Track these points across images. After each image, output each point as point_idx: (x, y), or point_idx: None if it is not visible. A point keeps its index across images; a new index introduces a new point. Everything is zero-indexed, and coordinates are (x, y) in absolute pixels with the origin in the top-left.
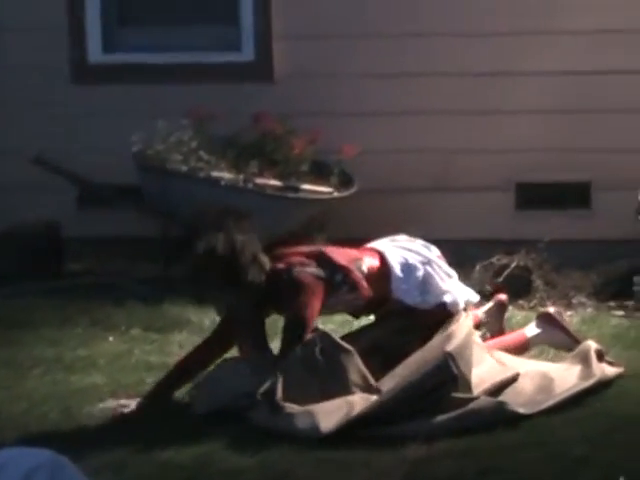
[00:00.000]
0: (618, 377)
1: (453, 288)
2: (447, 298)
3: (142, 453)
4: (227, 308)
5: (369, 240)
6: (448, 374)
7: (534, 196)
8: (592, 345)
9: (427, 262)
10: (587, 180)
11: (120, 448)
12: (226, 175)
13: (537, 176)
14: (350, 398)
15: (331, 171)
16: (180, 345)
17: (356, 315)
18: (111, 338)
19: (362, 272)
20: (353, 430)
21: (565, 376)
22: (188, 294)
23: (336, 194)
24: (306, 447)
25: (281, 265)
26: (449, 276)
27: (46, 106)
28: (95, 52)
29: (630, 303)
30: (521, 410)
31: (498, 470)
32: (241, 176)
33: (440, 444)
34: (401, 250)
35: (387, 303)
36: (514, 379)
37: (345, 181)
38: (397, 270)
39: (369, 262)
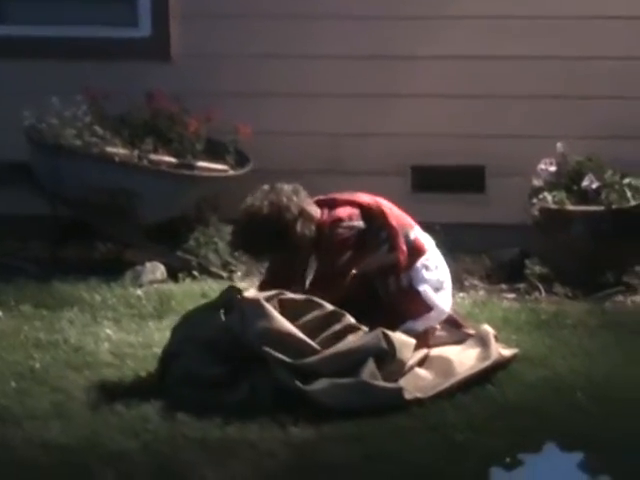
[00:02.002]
0: (510, 360)
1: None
2: (445, 307)
3: (24, 432)
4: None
5: None
6: (378, 349)
7: (430, 180)
8: (490, 329)
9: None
10: (482, 165)
11: (1, 427)
12: (120, 151)
13: (432, 160)
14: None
15: (226, 150)
16: (70, 322)
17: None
18: (0, 314)
19: (407, 239)
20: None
21: (463, 358)
22: (78, 273)
23: (231, 172)
24: (194, 428)
25: (328, 217)
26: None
27: None
28: None
29: (521, 286)
30: (419, 395)
31: (384, 454)
32: (135, 152)
33: (328, 426)
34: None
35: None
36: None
37: (240, 160)
38: (431, 258)
39: (418, 233)
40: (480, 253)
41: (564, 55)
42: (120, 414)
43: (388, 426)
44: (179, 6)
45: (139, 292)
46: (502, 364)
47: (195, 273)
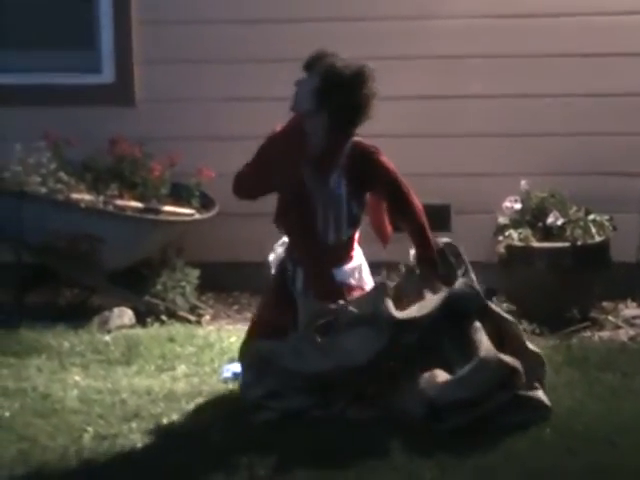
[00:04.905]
0: None
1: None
2: None
3: None
4: None
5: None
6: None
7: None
8: None
9: None
10: (447, 203)
11: None
12: (86, 197)
13: None
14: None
15: (192, 193)
16: (38, 369)
17: None
18: None
19: None
20: None
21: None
22: (45, 319)
23: (197, 216)
24: (158, 475)
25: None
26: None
27: None
28: None
29: None
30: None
31: None
32: (101, 198)
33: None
34: None
35: None
36: None
37: (206, 203)
38: None
39: None
40: None
41: (525, 93)
42: (87, 461)
43: (357, 467)
44: (141, 52)
45: (107, 338)
46: None
47: (163, 317)
